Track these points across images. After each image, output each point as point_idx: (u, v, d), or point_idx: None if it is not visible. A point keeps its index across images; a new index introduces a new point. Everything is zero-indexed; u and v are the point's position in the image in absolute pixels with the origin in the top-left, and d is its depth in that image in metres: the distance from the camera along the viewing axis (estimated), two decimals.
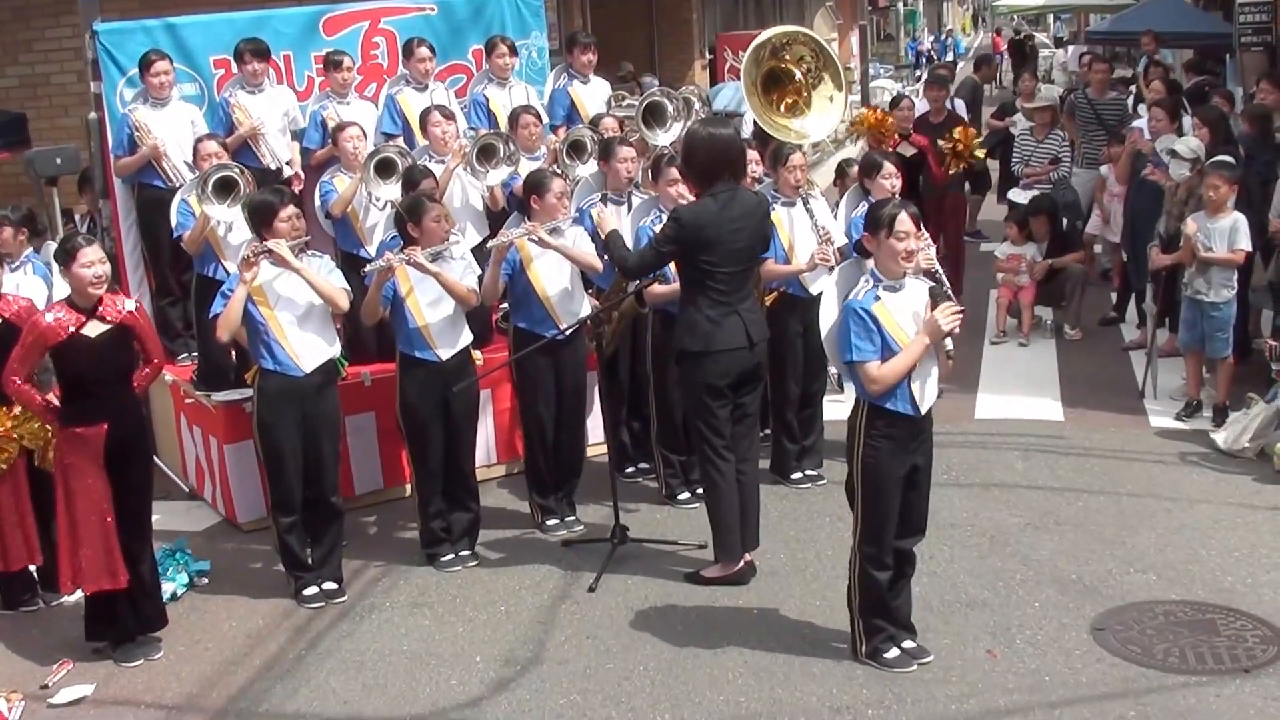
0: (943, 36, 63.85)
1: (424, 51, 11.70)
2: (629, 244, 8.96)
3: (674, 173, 9.23)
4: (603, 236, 8.84)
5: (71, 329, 7.63)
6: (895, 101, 14.21)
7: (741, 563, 8.44)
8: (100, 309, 7.71)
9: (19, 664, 8.09)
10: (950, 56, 50.66)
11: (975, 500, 9.58)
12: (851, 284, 7.15)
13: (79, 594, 8.10)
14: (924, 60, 46.62)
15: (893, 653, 7.27)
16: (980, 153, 13.53)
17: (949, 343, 6.96)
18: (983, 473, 10.14)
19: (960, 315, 6.93)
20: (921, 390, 6.99)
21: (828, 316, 7.22)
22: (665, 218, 8.63)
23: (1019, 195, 15.23)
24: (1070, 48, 38.42)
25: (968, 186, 15.96)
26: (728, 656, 7.55)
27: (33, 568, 8.73)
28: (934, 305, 6.99)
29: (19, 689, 7.67)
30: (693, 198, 8.42)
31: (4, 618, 8.71)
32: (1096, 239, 15.31)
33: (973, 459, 10.40)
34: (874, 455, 7.04)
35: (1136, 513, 9.23)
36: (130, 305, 7.96)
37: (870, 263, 7.14)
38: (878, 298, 6.95)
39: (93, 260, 7.63)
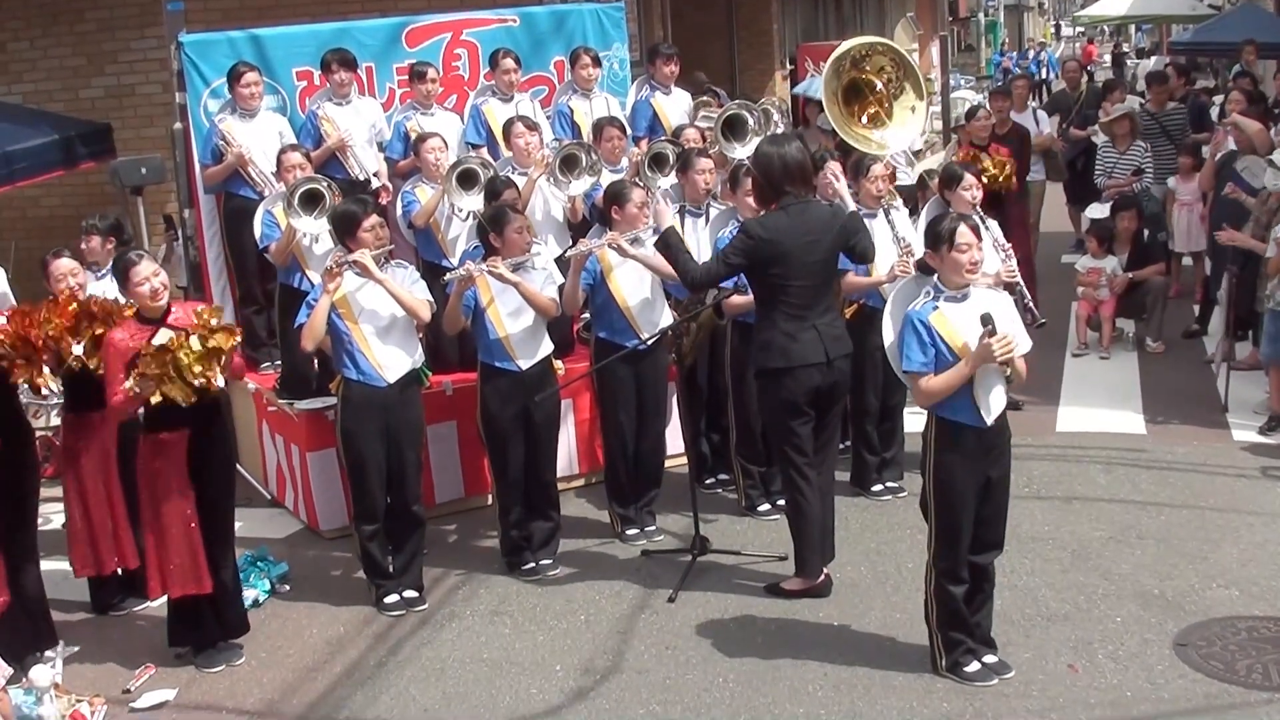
0: (1032, 50, 62.97)
1: (509, 63, 11.79)
2: (706, 253, 8.96)
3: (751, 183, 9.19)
4: (660, 228, 8.49)
5: (141, 341, 7.61)
6: (972, 113, 14.06)
7: (821, 576, 8.44)
8: (169, 317, 7.74)
9: (102, 668, 8.19)
10: (1044, 73, 49.40)
11: (1057, 513, 9.52)
12: (912, 299, 7.11)
13: (162, 599, 8.17)
14: (1007, 76, 45.91)
15: (973, 666, 7.23)
16: (1006, 179, 12.79)
17: (1009, 366, 6.85)
18: (1064, 486, 10.07)
19: (1010, 347, 6.73)
20: (986, 401, 6.92)
21: (888, 331, 7.20)
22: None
23: (1099, 210, 15.11)
24: (1153, 58, 38.07)
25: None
26: (808, 669, 7.53)
27: (120, 571, 8.77)
28: (1019, 318, 6.95)
29: (101, 693, 7.76)
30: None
31: (88, 622, 8.83)
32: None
33: (1054, 472, 10.34)
34: (945, 468, 7.01)
35: (1219, 527, 9.14)
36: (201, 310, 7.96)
37: (933, 279, 7.11)
38: (936, 308, 6.92)
39: (145, 276, 7.65)
